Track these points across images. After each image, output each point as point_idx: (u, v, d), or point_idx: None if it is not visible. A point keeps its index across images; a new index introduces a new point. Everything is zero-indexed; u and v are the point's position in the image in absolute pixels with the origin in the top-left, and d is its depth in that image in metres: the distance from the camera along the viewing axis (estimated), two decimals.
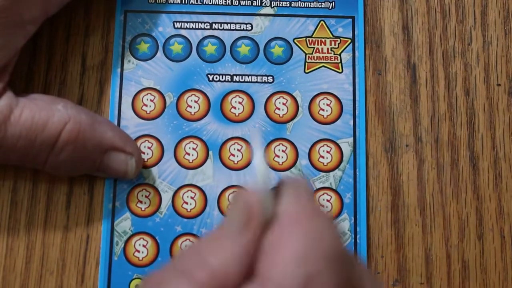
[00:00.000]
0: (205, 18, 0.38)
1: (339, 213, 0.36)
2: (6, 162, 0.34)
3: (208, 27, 0.38)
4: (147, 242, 0.35)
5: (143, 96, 0.37)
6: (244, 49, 0.37)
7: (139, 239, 0.35)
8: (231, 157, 0.36)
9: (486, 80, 0.37)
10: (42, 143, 0.32)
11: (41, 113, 0.33)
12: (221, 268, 0.23)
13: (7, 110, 0.32)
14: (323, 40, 0.37)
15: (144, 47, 0.37)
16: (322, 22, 0.38)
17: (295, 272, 0.23)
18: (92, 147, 0.33)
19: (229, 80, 0.37)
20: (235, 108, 0.37)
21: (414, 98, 0.37)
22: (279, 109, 0.37)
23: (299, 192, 0.25)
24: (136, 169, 0.35)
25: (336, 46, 0.37)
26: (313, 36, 0.37)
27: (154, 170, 0.36)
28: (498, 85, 0.37)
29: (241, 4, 0.38)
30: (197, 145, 0.36)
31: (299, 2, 0.38)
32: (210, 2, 0.38)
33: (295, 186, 0.25)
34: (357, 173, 0.36)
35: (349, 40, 0.37)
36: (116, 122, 0.36)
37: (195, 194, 0.36)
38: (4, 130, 0.32)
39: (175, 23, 0.38)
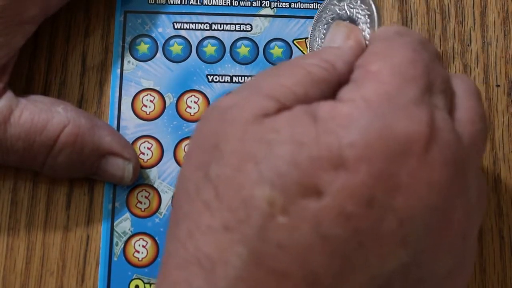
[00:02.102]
0: (204, 18, 0.38)
1: None
2: (5, 163, 0.34)
3: (208, 27, 0.38)
4: (147, 242, 0.35)
5: (143, 97, 0.37)
6: (243, 50, 0.37)
7: (139, 239, 0.35)
8: None
9: (485, 81, 0.37)
10: (41, 145, 0.32)
11: (41, 115, 0.33)
12: (329, 58, 0.27)
13: (7, 110, 0.32)
14: None
15: (144, 47, 0.37)
16: None
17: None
18: (90, 151, 0.33)
19: (229, 81, 0.37)
20: None
21: None
22: None
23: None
24: (133, 175, 0.35)
25: None
26: None
27: (154, 170, 0.36)
28: (497, 86, 0.37)
29: (241, 5, 0.38)
30: None
31: (299, 3, 0.38)
32: (209, 3, 0.38)
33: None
34: None
35: None
36: (116, 123, 0.36)
37: None
38: (4, 130, 0.32)
39: (174, 23, 0.38)
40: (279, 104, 0.25)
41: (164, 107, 0.37)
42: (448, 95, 0.26)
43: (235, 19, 0.38)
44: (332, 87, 0.26)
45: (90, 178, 0.35)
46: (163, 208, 0.36)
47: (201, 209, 0.24)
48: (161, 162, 0.36)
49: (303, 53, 0.37)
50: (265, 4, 0.38)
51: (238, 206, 0.23)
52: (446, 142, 0.24)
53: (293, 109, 0.25)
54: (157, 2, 0.38)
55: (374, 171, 0.23)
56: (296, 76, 0.26)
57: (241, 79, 0.37)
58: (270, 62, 0.37)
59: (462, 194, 0.25)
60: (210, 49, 0.37)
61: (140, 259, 0.35)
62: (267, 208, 0.23)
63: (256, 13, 0.38)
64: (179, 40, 0.37)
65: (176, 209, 0.26)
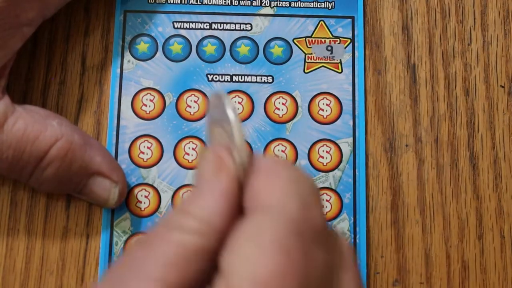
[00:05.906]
0: (204, 18, 0.38)
1: (339, 213, 0.36)
2: None
3: (208, 27, 0.38)
4: None
5: (143, 96, 0.37)
6: (243, 49, 0.37)
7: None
8: None
9: (486, 80, 0.37)
10: (30, 155, 0.32)
11: (34, 126, 0.32)
12: (208, 213, 0.23)
13: (2, 117, 0.32)
14: (322, 40, 0.37)
15: (143, 47, 0.37)
16: (321, 22, 0.38)
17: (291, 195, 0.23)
18: (78, 168, 0.33)
19: (229, 80, 0.37)
20: None
21: (413, 98, 0.37)
22: (278, 109, 0.37)
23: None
24: (118, 198, 0.34)
25: None
26: (313, 36, 0.37)
27: (154, 170, 0.36)
28: (502, 86, 0.37)
29: (241, 4, 0.38)
30: (197, 145, 0.36)
31: (299, 2, 0.38)
32: (209, 2, 0.38)
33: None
34: (357, 173, 0.36)
35: (349, 40, 0.37)
36: (115, 122, 0.36)
37: None
38: None
39: (174, 23, 0.38)
40: None
41: (164, 107, 0.37)
42: None
43: (235, 19, 0.38)
44: (213, 252, 0.23)
45: None
46: (163, 208, 0.35)
47: None
48: (160, 162, 0.36)
49: (303, 52, 0.37)
50: (265, 3, 0.38)
51: None
52: None
53: None
54: (157, 2, 0.38)
55: None
56: (165, 258, 0.22)
57: (241, 78, 0.37)
58: (270, 61, 0.37)
59: None
60: (210, 48, 0.37)
61: None
62: None
63: (256, 12, 0.38)
64: (179, 39, 0.37)
65: None
